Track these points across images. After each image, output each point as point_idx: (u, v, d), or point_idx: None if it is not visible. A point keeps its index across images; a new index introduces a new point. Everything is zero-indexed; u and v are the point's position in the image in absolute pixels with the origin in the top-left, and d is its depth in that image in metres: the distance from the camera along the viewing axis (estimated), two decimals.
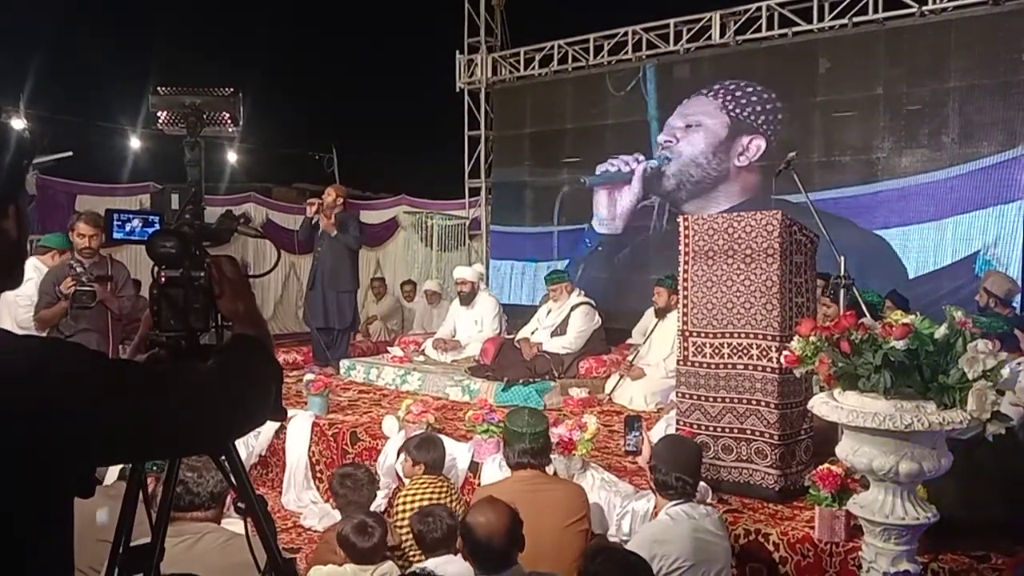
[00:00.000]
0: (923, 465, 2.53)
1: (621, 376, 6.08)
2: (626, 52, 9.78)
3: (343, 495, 3.65)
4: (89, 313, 4.67)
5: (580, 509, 3.27)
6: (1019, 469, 3.61)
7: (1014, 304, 5.90)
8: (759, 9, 8.69)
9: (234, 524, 2.63)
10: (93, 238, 4.85)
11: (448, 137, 11.82)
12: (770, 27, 8.67)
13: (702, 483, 3.18)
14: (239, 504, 1.61)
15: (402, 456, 4.15)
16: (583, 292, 6.84)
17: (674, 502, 2.97)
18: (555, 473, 3.82)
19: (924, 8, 7.73)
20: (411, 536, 3.35)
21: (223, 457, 1.58)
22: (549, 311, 6.77)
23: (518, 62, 10.84)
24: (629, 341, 7.32)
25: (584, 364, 6.36)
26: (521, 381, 5.98)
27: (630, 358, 6.29)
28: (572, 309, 6.56)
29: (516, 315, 8.75)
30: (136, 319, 6.13)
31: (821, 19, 8.34)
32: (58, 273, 4.82)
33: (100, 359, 1.08)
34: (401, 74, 15.65)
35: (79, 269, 4.66)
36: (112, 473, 3.25)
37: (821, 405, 2.69)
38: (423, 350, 7.25)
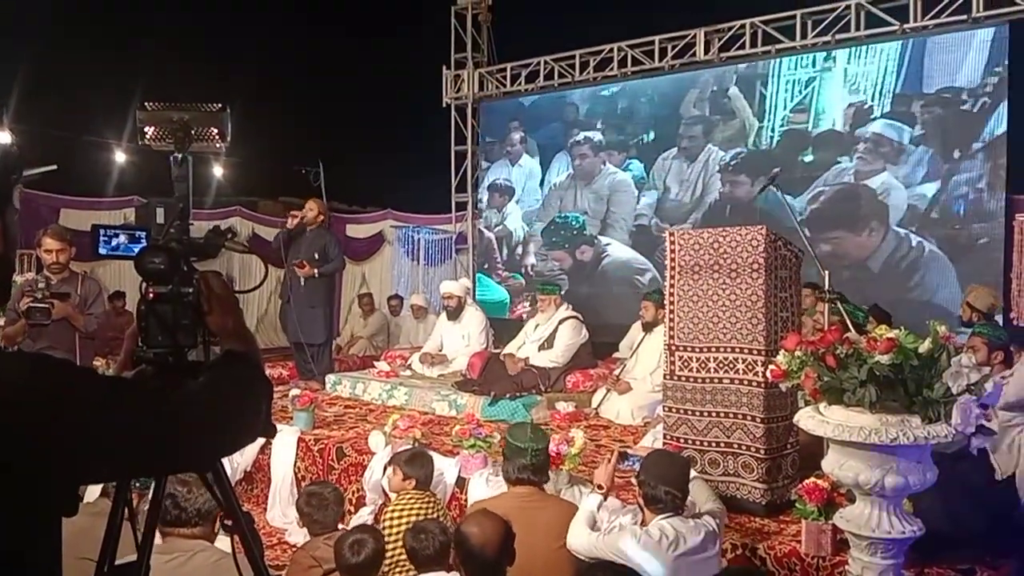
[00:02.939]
0: (909, 479, 2.55)
1: (608, 390, 6.08)
2: (611, 68, 9.86)
3: (307, 514, 3.59)
4: (51, 330, 4.53)
5: None
6: (1001, 483, 3.64)
7: (996, 319, 5.95)
8: (743, 26, 8.80)
9: (228, 543, 2.61)
10: (60, 252, 4.74)
11: (435, 152, 11.84)
12: (753, 44, 8.77)
13: (690, 497, 3.18)
14: (226, 521, 1.60)
15: (389, 471, 4.12)
16: (571, 306, 6.85)
17: (663, 516, 2.97)
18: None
19: (905, 26, 7.85)
20: (397, 551, 3.33)
21: (210, 474, 1.57)
22: (537, 325, 6.77)
23: (504, 78, 10.90)
24: (616, 355, 7.33)
25: (571, 378, 6.36)
26: (508, 395, 5.97)
27: (617, 372, 6.29)
28: (560, 323, 6.57)
29: (503, 329, 8.76)
30: (115, 336, 6.05)
31: (804, 36, 8.45)
32: (24, 289, 4.73)
33: (89, 375, 1.07)
34: (388, 89, 15.66)
35: (40, 285, 4.55)
36: (95, 490, 3.21)
37: (807, 419, 2.70)
38: (410, 364, 7.23)
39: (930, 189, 7.63)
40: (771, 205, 8.13)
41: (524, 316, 10.00)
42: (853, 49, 8.13)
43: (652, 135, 9.51)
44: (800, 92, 8.40)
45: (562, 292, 6.98)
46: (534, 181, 10.63)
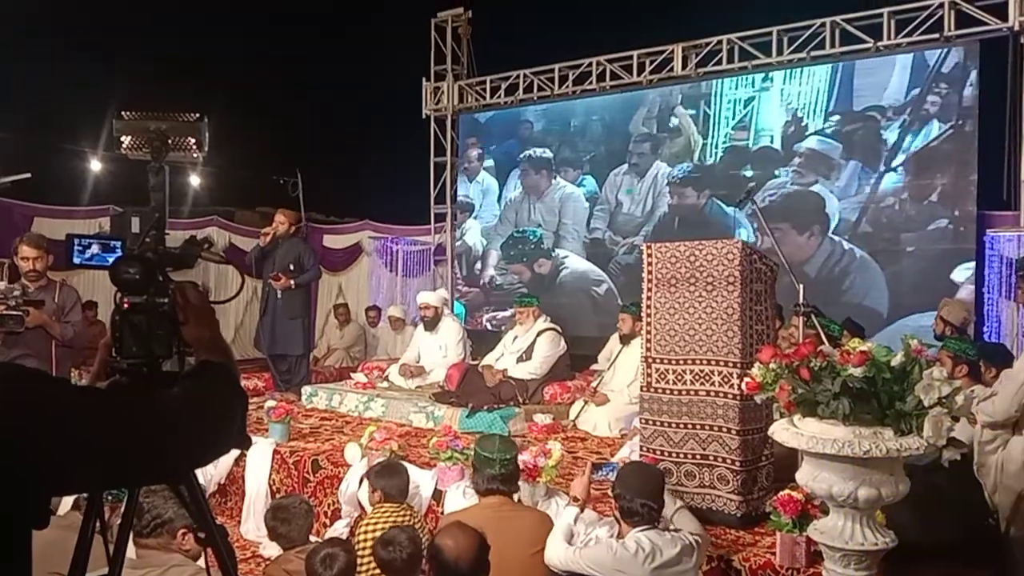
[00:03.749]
0: (881, 491, 2.57)
1: (586, 402, 6.10)
2: (590, 82, 9.93)
3: (273, 528, 3.55)
4: (27, 338, 4.49)
5: (547, 537, 3.25)
6: (974, 494, 3.68)
7: (968, 333, 6.05)
8: (719, 42, 8.91)
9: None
10: (37, 260, 4.72)
11: (414, 163, 11.85)
12: (730, 60, 8.88)
13: (665, 509, 3.19)
14: (199, 534, 1.58)
15: (365, 484, 4.11)
16: (549, 318, 6.86)
17: (640, 528, 2.98)
18: (519, 500, 3.81)
19: (879, 43, 7.97)
20: (372, 565, 3.31)
21: (183, 486, 1.56)
22: (515, 337, 6.78)
23: (484, 90, 10.94)
24: (594, 367, 7.35)
25: (549, 390, 6.36)
26: (485, 407, 5.96)
27: (594, 384, 6.31)
28: (538, 335, 6.58)
29: (481, 341, 8.77)
30: (88, 345, 5.99)
31: (780, 52, 8.56)
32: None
33: (62, 385, 1.06)
34: (367, 99, 15.66)
35: (16, 292, 4.51)
36: (66, 503, 3.17)
37: (781, 431, 2.72)
38: (387, 376, 7.21)
39: (859, 200, 8.09)
40: (716, 216, 8.80)
41: (487, 324, 10.24)
42: (788, 71, 8.57)
43: (603, 152, 9.91)
44: (741, 110, 8.86)
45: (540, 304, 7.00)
46: (491, 197, 10.95)
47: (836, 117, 8.21)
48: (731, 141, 8.87)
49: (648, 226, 9.39)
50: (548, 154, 10.31)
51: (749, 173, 8.67)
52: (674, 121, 9.28)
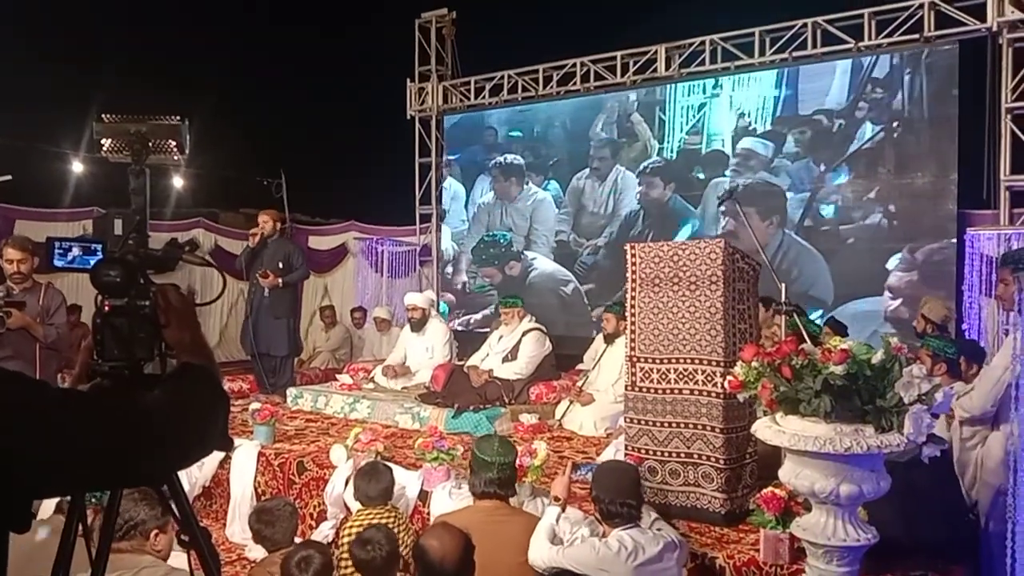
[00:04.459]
0: (863, 487, 2.60)
1: (571, 402, 6.11)
2: (574, 83, 9.96)
3: (258, 531, 3.53)
4: (12, 340, 4.51)
5: None
6: (954, 490, 3.72)
7: (949, 330, 6.10)
8: (703, 43, 8.96)
9: (178, 557, 2.57)
10: (22, 263, 4.73)
11: (399, 164, 11.85)
12: (713, 60, 8.93)
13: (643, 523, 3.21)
14: (183, 537, 1.58)
15: (351, 485, 4.10)
16: (534, 318, 6.87)
17: (622, 528, 3.00)
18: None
19: (860, 44, 8.04)
20: (353, 567, 3.30)
21: (166, 488, 1.56)
22: (501, 337, 6.79)
23: (468, 91, 10.95)
24: (580, 367, 7.37)
25: (534, 390, 6.37)
26: (471, 408, 5.97)
27: (580, 384, 6.32)
28: (523, 335, 6.59)
29: (467, 341, 8.78)
30: (74, 347, 5.98)
31: (762, 53, 8.62)
32: None
33: (44, 388, 1.06)
34: (352, 100, 15.61)
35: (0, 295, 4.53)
36: (49, 506, 3.15)
37: (764, 429, 2.75)
38: (372, 377, 7.20)
39: (803, 197, 8.46)
40: (679, 209, 9.09)
41: (458, 327, 10.55)
42: (737, 76, 8.85)
43: (566, 156, 10.17)
44: (694, 116, 9.17)
45: (523, 304, 7.02)
46: (459, 203, 11.18)
47: (782, 120, 8.55)
48: (685, 145, 9.18)
49: (612, 227, 9.67)
50: (519, 160, 10.52)
51: (701, 176, 9.03)
52: (631, 126, 9.58)
